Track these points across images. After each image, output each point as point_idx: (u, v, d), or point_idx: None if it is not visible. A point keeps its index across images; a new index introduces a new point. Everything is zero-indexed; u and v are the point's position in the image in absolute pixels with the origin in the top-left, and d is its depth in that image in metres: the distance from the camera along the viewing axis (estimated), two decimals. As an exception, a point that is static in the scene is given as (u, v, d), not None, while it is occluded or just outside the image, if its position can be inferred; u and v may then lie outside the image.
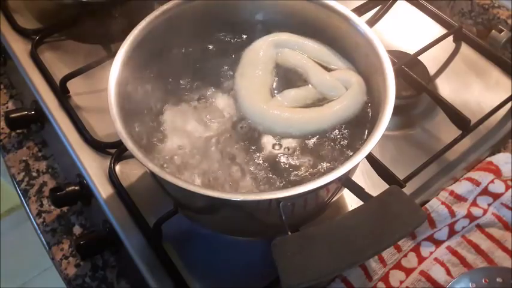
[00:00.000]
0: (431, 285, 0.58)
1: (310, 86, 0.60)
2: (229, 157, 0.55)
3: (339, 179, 0.46)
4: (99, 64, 0.74)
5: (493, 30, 0.81)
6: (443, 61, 0.79)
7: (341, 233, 0.44)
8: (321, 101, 0.59)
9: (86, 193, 0.67)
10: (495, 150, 0.70)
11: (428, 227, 0.62)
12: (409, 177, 0.63)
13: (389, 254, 0.60)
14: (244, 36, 0.64)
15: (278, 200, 0.46)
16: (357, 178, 0.62)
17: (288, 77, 0.61)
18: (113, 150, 0.68)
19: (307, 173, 0.53)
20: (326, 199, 0.55)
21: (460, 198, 0.63)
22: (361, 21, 0.58)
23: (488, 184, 0.64)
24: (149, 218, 0.61)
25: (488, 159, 0.67)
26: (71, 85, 0.74)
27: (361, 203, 0.47)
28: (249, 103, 0.58)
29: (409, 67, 0.72)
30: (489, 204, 0.63)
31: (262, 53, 0.61)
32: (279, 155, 0.55)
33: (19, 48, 0.81)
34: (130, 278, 0.63)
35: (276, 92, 0.60)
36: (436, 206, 0.62)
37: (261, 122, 0.57)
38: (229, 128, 0.57)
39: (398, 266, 0.60)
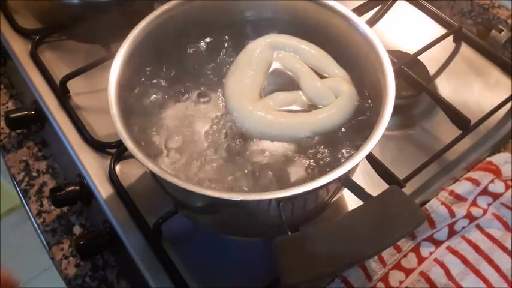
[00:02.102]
0: (430, 286, 0.58)
1: (300, 91, 0.59)
2: (222, 156, 0.55)
3: (339, 179, 0.46)
4: (99, 64, 0.74)
5: (493, 30, 0.81)
6: (443, 61, 0.79)
7: (341, 233, 0.44)
8: (310, 107, 0.58)
9: (86, 193, 0.67)
10: (495, 150, 0.70)
11: (428, 227, 0.62)
12: (409, 177, 0.63)
13: (389, 254, 0.60)
14: (244, 36, 0.64)
15: (278, 200, 0.46)
16: (357, 178, 0.62)
17: (280, 80, 0.61)
18: (113, 150, 0.68)
19: (298, 175, 0.54)
20: (326, 199, 0.55)
21: (460, 198, 0.63)
22: (361, 21, 0.58)
23: (488, 184, 0.64)
24: (149, 218, 0.61)
25: (488, 159, 0.67)
26: (71, 85, 0.74)
27: (361, 203, 0.47)
28: (234, 102, 0.57)
29: (409, 67, 0.72)
30: (489, 204, 0.63)
31: (257, 54, 0.60)
32: (267, 157, 0.55)
33: (19, 48, 0.81)
34: (130, 278, 0.63)
35: (266, 94, 0.59)
36: (436, 206, 0.62)
37: (245, 122, 0.56)
38: (224, 127, 0.57)
39: (398, 266, 0.60)
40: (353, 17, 0.58)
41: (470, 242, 0.61)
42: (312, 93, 0.58)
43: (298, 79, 0.60)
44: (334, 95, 0.58)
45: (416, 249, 0.61)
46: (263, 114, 0.56)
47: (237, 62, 0.61)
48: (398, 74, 0.69)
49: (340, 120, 0.56)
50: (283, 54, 0.61)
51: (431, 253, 0.61)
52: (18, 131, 0.78)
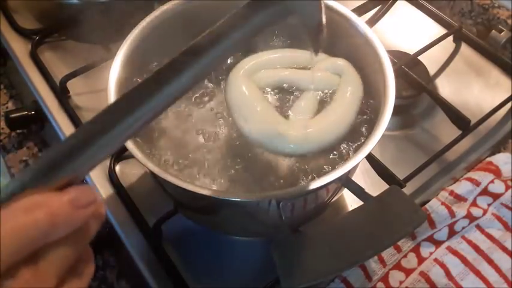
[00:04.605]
0: (430, 286, 0.58)
1: (305, 91, 0.58)
2: (222, 156, 0.55)
3: (339, 179, 0.46)
4: (99, 64, 0.74)
5: (493, 30, 0.81)
6: (443, 61, 0.79)
7: (341, 233, 0.44)
8: (325, 97, 0.58)
9: (85, 193, 0.67)
10: (495, 150, 0.70)
11: (428, 228, 0.62)
12: (409, 177, 0.63)
13: (389, 255, 0.60)
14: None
15: (278, 200, 0.46)
16: (357, 178, 0.62)
17: (282, 94, 0.59)
18: (112, 150, 0.67)
19: (297, 175, 0.53)
20: (326, 199, 0.55)
21: (460, 198, 0.63)
22: (361, 21, 0.58)
23: (488, 184, 0.64)
24: (149, 218, 0.61)
25: (488, 159, 0.67)
26: (71, 85, 0.74)
27: (361, 203, 0.47)
28: (266, 139, 0.54)
29: (409, 67, 0.72)
30: (489, 205, 0.63)
31: (246, 90, 0.57)
32: (267, 157, 0.55)
33: (19, 48, 0.81)
34: (130, 278, 0.63)
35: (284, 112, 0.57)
36: (436, 206, 0.62)
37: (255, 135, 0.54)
38: (224, 127, 0.57)
39: (398, 266, 0.60)
40: (353, 17, 0.58)
41: (470, 242, 0.61)
42: (316, 85, 0.58)
43: (293, 83, 0.59)
44: (337, 74, 0.58)
45: (416, 249, 0.61)
46: (303, 130, 0.54)
47: (235, 106, 0.56)
48: (398, 74, 0.69)
49: (361, 93, 0.57)
50: (263, 73, 0.59)
51: (431, 253, 0.61)
52: (18, 131, 0.78)
